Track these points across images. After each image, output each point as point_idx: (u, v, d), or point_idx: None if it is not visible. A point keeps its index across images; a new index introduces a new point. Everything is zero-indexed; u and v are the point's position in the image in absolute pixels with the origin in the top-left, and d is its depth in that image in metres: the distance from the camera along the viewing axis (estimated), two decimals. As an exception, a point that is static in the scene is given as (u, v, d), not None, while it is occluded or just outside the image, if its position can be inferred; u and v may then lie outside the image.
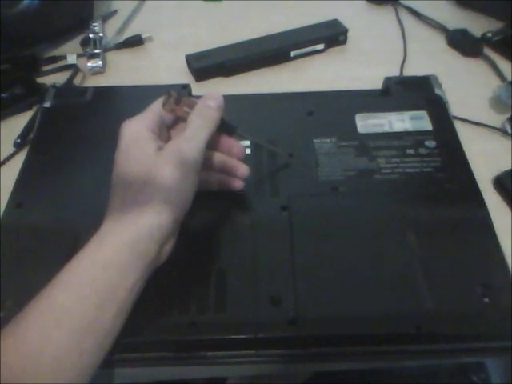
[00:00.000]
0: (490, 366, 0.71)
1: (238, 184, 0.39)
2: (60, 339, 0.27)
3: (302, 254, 0.38)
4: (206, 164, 0.36)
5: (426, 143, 0.45)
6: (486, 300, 0.35)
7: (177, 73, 0.59)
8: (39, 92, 0.54)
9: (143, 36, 0.63)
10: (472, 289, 0.35)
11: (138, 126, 0.33)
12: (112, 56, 0.62)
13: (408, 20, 0.67)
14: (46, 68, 0.60)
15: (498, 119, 0.52)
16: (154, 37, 0.64)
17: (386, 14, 0.68)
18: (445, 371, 0.73)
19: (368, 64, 0.60)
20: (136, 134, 0.33)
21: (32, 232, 0.40)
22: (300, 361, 0.36)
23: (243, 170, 0.38)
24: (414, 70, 0.58)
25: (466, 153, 0.45)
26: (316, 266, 0.37)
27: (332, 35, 0.61)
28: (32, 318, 0.28)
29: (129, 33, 0.65)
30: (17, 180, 0.44)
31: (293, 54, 0.60)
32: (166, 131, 0.36)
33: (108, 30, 0.65)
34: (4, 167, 0.49)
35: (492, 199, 0.44)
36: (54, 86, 0.55)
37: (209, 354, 0.35)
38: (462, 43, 0.62)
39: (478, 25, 0.64)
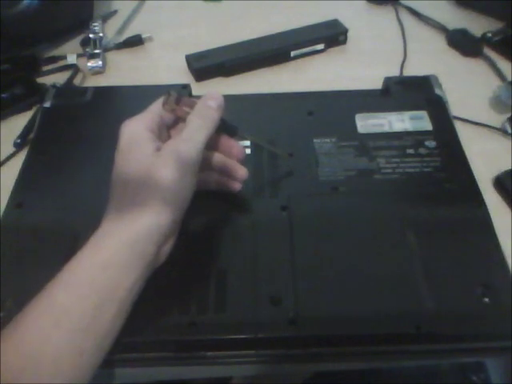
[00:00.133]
0: (490, 366, 0.71)
1: (237, 186, 0.39)
2: (59, 339, 0.27)
3: (301, 253, 0.38)
4: (205, 164, 0.36)
5: (426, 143, 0.45)
6: (486, 300, 0.35)
7: (177, 73, 0.59)
8: (39, 92, 0.54)
9: (143, 36, 0.63)
10: (472, 289, 0.35)
11: (138, 126, 0.33)
12: (112, 56, 0.62)
13: (408, 20, 0.67)
14: (46, 68, 0.60)
15: (497, 119, 0.52)
16: (154, 37, 0.64)
17: (386, 14, 0.68)
18: (445, 371, 0.73)
19: (368, 64, 0.60)
20: (135, 134, 0.33)
21: (32, 232, 0.40)
22: (300, 361, 0.36)
23: (242, 172, 0.38)
24: (414, 70, 0.58)
25: (466, 153, 0.45)
26: (316, 265, 0.37)
27: (332, 35, 0.61)
28: (31, 318, 0.28)
29: (129, 33, 0.65)
30: (17, 180, 0.44)
31: (293, 54, 0.60)
32: (165, 131, 0.36)
33: (108, 30, 0.65)
34: (4, 167, 0.49)
35: (492, 199, 0.44)
36: (54, 85, 0.55)
37: (209, 354, 0.35)
38: (462, 43, 0.62)
39: (478, 25, 0.64)
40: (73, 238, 0.38)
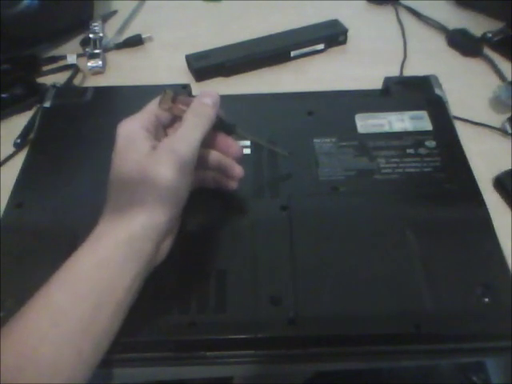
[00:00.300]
0: (490, 366, 0.71)
1: (233, 184, 0.39)
2: (57, 339, 0.27)
3: (301, 253, 0.37)
4: (201, 162, 0.36)
5: (426, 143, 0.45)
6: (486, 300, 0.35)
7: (177, 73, 0.59)
8: (39, 92, 0.54)
9: (143, 36, 0.63)
10: (472, 289, 0.35)
11: (133, 125, 0.33)
12: (112, 56, 0.62)
13: (408, 20, 0.67)
14: (46, 68, 0.60)
15: (498, 119, 0.52)
16: (154, 37, 0.64)
17: (386, 14, 0.68)
18: (445, 371, 0.73)
19: (368, 64, 0.60)
20: (131, 134, 0.33)
21: (32, 232, 0.40)
22: (300, 361, 0.36)
23: (238, 170, 0.38)
24: (414, 70, 0.58)
25: (466, 153, 0.45)
26: (316, 265, 0.37)
27: (332, 35, 0.62)
28: (29, 318, 0.28)
29: (129, 33, 0.65)
30: (17, 180, 0.44)
31: (293, 54, 0.60)
32: (162, 130, 0.36)
33: (108, 30, 0.65)
34: (4, 167, 0.49)
35: (492, 199, 0.44)
36: (54, 85, 0.55)
37: (208, 354, 0.35)
38: (462, 43, 0.62)
39: (477, 25, 0.64)
40: (73, 237, 0.38)
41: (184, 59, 0.59)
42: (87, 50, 0.60)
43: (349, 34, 0.62)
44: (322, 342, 0.35)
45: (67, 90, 0.54)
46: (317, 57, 0.61)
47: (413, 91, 0.51)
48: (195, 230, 0.40)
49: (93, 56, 0.59)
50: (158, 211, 0.31)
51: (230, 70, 0.58)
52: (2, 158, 0.49)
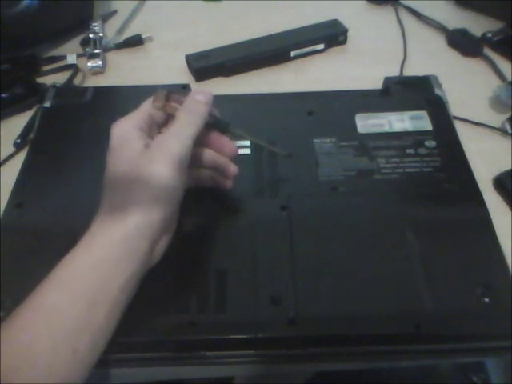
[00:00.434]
0: (490, 366, 0.71)
1: (228, 183, 0.39)
2: (52, 338, 0.27)
3: (301, 253, 0.37)
4: (196, 161, 0.36)
5: (426, 143, 0.45)
6: (486, 300, 0.35)
7: (177, 73, 0.59)
8: (39, 92, 0.54)
9: (143, 36, 0.63)
10: (472, 289, 0.35)
11: (126, 125, 0.33)
12: (112, 56, 0.62)
13: (408, 20, 0.67)
14: (46, 68, 0.60)
15: (498, 119, 0.52)
16: (154, 37, 0.64)
17: (386, 14, 0.68)
18: (445, 371, 0.73)
19: (368, 64, 0.60)
20: (124, 134, 0.33)
21: (32, 232, 0.40)
22: (300, 361, 0.36)
23: (233, 169, 0.38)
24: (414, 70, 0.58)
25: (466, 153, 0.45)
26: (316, 265, 0.37)
27: (332, 35, 0.62)
28: (24, 318, 0.28)
29: (129, 33, 0.65)
30: (17, 180, 0.44)
31: (293, 53, 0.60)
32: (156, 130, 0.36)
33: (108, 30, 0.65)
34: (4, 167, 0.49)
35: (492, 199, 0.44)
36: (54, 85, 0.55)
37: (208, 353, 0.35)
38: (462, 43, 0.62)
39: (478, 25, 0.64)
40: (73, 237, 0.38)
41: (184, 59, 0.59)
42: (87, 50, 0.60)
43: (349, 34, 0.62)
44: (322, 342, 0.35)
45: (67, 90, 0.54)
46: (317, 57, 0.61)
47: (413, 91, 0.51)
48: (195, 230, 0.39)
49: (93, 56, 0.59)
50: (152, 210, 0.31)
51: (230, 70, 0.58)
52: (2, 158, 0.49)
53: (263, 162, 0.44)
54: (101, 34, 0.62)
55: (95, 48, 0.61)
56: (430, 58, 0.61)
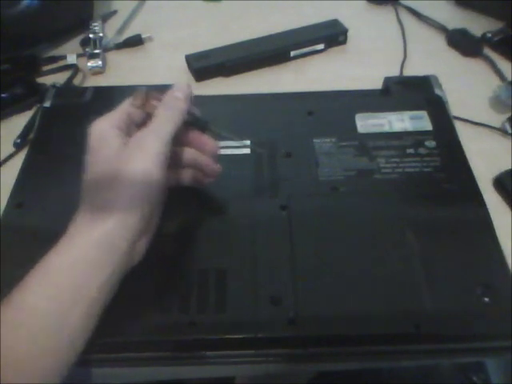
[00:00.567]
0: (490, 366, 0.71)
1: (209, 181, 0.39)
2: (31, 338, 0.27)
3: (301, 253, 0.37)
4: (177, 160, 0.36)
5: (426, 143, 0.45)
6: (486, 300, 0.35)
7: (177, 73, 0.59)
8: (39, 92, 0.54)
9: (143, 36, 0.63)
10: (472, 289, 0.35)
11: (104, 124, 0.33)
12: (112, 56, 0.62)
13: (408, 20, 0.67)
14: (46, 68, 0.60)
15: (498, 119, 0.52)
16: (154, 37, 0.64)
17: (386, 14, 0.68)
18: (445, 371, 0.73)
19: (368, 64, 0.60)
20: (102, 133, 0.33)
21: (32, 232, 0.40)
22: (300, 360, 0.36)
23: (215, 168, 0.38)
24: (414, 70, 0.58)
25: (466, 153, 0.45)
26: (316, 265, 0.37)
27: (332, 35, 0.62)
28: (4, 318, 0.28)
29: (129, 33, 0.65)
30: (17, 180, 0.44)
31: (293, 53, 0.60)
32: (135, 129, 0.35)
33: (108, 30, 0.65)
34: (4, 167, 0.49)
35: (492, 199, 0.44)
36: (54, 85, 0.55)
37: (208, 353, 0.35)
38: (462, 43, 0.62)
39: (478, 25, 0.64)
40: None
41: (184, 59, 0.59)
42: (87, 50, 0.60)
43: (349, 34, 0.62)
44: (322, 341, 0.35)
45: (67, 90, 0.54)
46: (317, 57, 0.61)
47: (413, 91, 0.51)
48: (194, 230, 0.39)
49: (93, 56, 0.59)
50: (131, 209, 0.30)
51: (230, 70, 0.58)
52: (2, 158, 0.49)
53: (263, 161, 0.44)
54: (101, 34, 0.62)
55: (95, 48, 0.61)
56: (430, 58, 0.61)
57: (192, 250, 0.38)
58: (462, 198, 0.41)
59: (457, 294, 0.35)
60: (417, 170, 0.43)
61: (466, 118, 0.52)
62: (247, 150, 0.45)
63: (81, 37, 0.63)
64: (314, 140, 0.46)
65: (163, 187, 0.33)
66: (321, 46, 0.61)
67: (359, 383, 0.64)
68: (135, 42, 0.63)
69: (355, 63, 0.60)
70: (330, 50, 0.62)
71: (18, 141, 0.50)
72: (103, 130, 0.33)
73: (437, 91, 0.50)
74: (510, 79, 0.56)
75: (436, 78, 0.52)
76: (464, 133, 0.48)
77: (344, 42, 0.63)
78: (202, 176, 0.39)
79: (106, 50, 0.62)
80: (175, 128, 0.33)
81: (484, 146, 0.49)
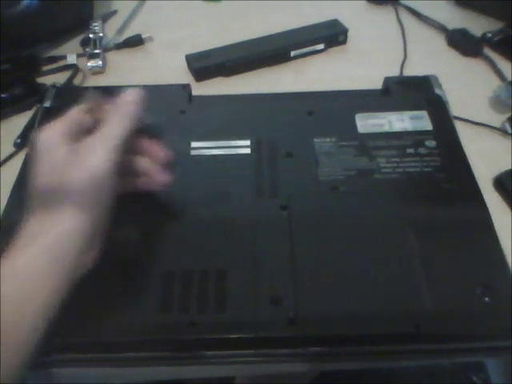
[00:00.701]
0: (490, 366, 0.71)
1: (159, 188, 0.37)
2: None
3: (301, 253, 0.37)
4: (130, 168, 0.36)
5: (426, 143, 0.45)
6: (486, 300, 0.35)
7: (177, 73, 0.59)
8: (39, 92, 0.54)
9: (143, 36, 0.63)
10: (472, 288, 0.35)
11: (49, 132, 0.32)
12: (112, 56, 0.62)
13: (408, 20, 0.67)
14: (46, 68, 0.60)
15: (498, 119, 0.52)
16: (154, 37, 0.64)
17: (386, 14, 0.68)
18: (445, 371, 0.73)
19: (368, 64, 0.60)
20: (48, 141, 0.32)
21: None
22: (300, 360, 0.36)
23: (164, 177, 0.36)
24: (414, 70, 0.58)
25: (466, 153, 0.45)
26: (316, 265, 0.37)
27: (332, 35, 0.62)
28: None
29: (129, 33, 0.65)
30: (17, 180, 0.44)
31: (293, 53, 0.60)
32: (85, 135, 0.33)
33: (108, 30, 0.65)
34: (4, 167, 0.49)
35: (492, 199, 0.44)
36: (54, 85, 0.55)
37: (208, 353, 0.35)
38: (462, 43, 0.62)
39: (478, 25, 0.64)
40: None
41: (184, 59, 0.59)
42: (87, 49, 0.60)
43: (349, 34, 0.62)
44: (322, 341, 0.35)
45: (67, 90, 0.54)
46: (317, 57, 0.61)
47: (413, 91, 0.51)
48: (194, 230, 0.39)
49: (93, 56, 0.59)
50: (77, 216, 0.30)
51: (230, 70, 0.58)
52: (2, 158, 0.49)
53: (263, 161, 0.44)
54: (101, 34, 0.62)
55: (95, 48, 0.61)
56: (430, 58, 0.61)
57: (192, 250, 0.38)
58: (462, 197, 0.41)
59: (457, 293, 0.35)
60: (417, 169, 0.43)
61: (466, 117, 0.52)
62: (247, 150, 0.45)
63: (81, 37, 0.63)
64: (314, 140, 0.46)
65: (113, 194, 0.32)
66: (321, 46, 0.61)
67: (359, 383, 0.64)
68: (135, 41, 0.63)
69: (355, 63, 0.60)
70: (329, 50, 0.62)
71: (18, 141, 0.50)
72: (49, 138, 0.32)
73: (437, 91, 0.50)
74: (510, 79, 0.56)
75: (436, 78, 0.52)
76: (464, 133, 0.48)
77: (344, 42, 0.63)
78: (153, 184, 0.37)
79: (106, 50, 0.62)
80: (124, 133, 0.32)
81: (484, 146, 0.49)
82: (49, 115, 0.49)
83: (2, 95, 0.54)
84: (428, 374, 0.71)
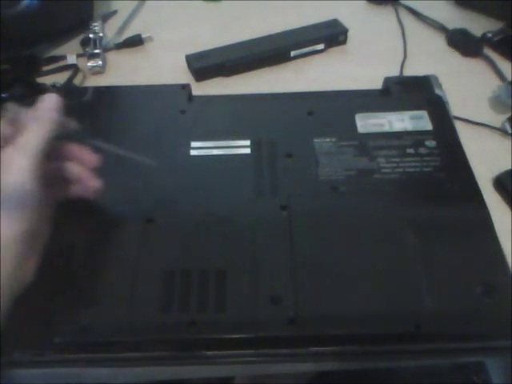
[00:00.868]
0: (490, 366, 0.71)
1: (92, 194, 0.37)
2: None
3: (301, 253, 0.37)
4: (57, 174, 0.35)
5: (426, 143, 0.45)
6: (487, 300, 0.35)
7: (177, 73, 0.59)
8: (39, 92, 0.54)
9: (143, 36, 0.63)
10: (472, 288, 0.35)
11: None
12: (112, 56, 0.62)
13: (408, 20, 0.67)
14: (46, 68, 0.60)
15: (498, 119, 0.52)
16: (154, 37, 0.64)
17: (386, 14, 0.68)
18: (445, 371, 0.73)
19: (368, 64, 0.60)
20: None
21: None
22: (300, 360, 0.36)
23: (93, 183, 0.36)
24: (414, 70, 0.58)
25: (466, 153, 0.45)
26: (316, 265, 0.37)
27: (332, 35, 0.62)
28: None
29: (129, 33, 0.65)
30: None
31: (293, 53, 0.60)
32: (5, 144, 0.32)
33: (108, 30, 0.65)
34: (4, 167, 0.49)
35: (492, 199, 0.44)
36: (54, 85, 0.55)
37: (208, 353, 0.35)
38: (462, 43, 0.62)
39: (478, 25, 0.64)
40: (72, 237, 0.38)
41: (184, 59, 0.59)
42: (87, 49, 0.60)
43: (349, 34, 0.62)
44: (322, 341, 0.35)
45: (67, 90, 0.54)
46: (317, 57, 0.61)
47: (413, 91, 0.51)
48: (194, 230, 0.39)
49: (93, 56, 0.59)
50: (8, 228, 0.29)
51: (230, 70, 0.58)
52: (2, 158, 0.49)
53: (263, 161, 0.44)
54: (101, 34, 0.62)
55: (95, 48, 0.61)
56: (430, 57, 0.60)
57: (192, 250, 0.38)
58: (462, 197, 0.41)
59: (457, 293, 0.35)
60: (417, 169, 0.43)
61: (466, 117, 0.52)
62: (247, 150, 0.45)
63: (81, 37, 0.63)
64: (314, 140, 0.46)
65: (42, 202, 0.31)
66: (321, 46, 0.61)
67: (359, 383, 0.64)
68: (135, 41, 0.63)
69: (355, 63, 0.60)
70: (329, 50, 0.62)
71: (18, 141, 0.50)
72: None
73: (437, 91, 0.50)
74: (510, 79, 0.56)
75: (436, 78, 0.52)
76: (464, 133, 0.48)
77: (344, 42, 0.63)
78: (85, 189, 0.37)
79: (106, 49, 0.62)
80: (44, 140, 0.32)
81: (484, 146, 0.49)
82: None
83: (2, 95, 0.54)
84: (428, 373, 0.71)
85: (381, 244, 0.38)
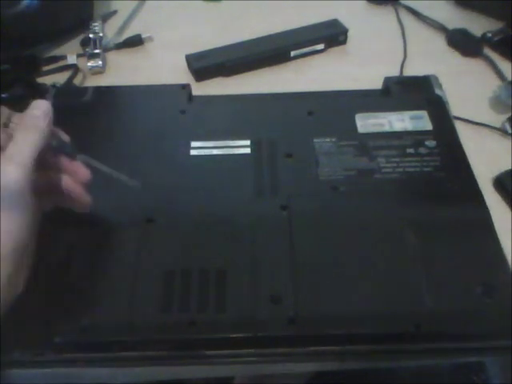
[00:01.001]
0: (490, 366, 0.71)
1: (84, 209, 0.36)
2: None
3: (301, 253, 0.38)
4: (48, 186, 0.34)
5: (426, 143, 0.45)
6: (487, 299, 0.35)
7: (177, 73, 0.59)
8: (39, 92, 0.54)
9: (143, 36, 0.63)
10: (472, 288, 0.35)
11: None
12: (112, 56, 0.62)
13: (408, 20, 0.67)
14: (46, 68, 0.60)
15: (497, 119, 0.52)
16: (154, 37, 0.64)
17: (386, 14, 0.68)
18: (445, 371, 0.73)
19: (368, 64, 0.60)
20: None
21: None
22: (299, 360, 0.36)
23: (84, 200, 0.35)
24: (414, 70, 0.58)
25: (466, 153, 0.45)
26: (316, 265, 0.37)
27: (332, 35, 0.62)
28: None
29: (129, 33, 0.65)
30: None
31: (293, 53, 0.60)
32: None
33: (108, 30, 0.66)
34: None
35: (492, 199, 0.44)
36: (54, 85, 0.55)
37: (208, 353, 0.35)
38: (462, 43, 0.62)
39: (478, 25, 0.64)
40: (72, 237, 0.38)
41: (184, 59, 0.60)
42: (87, 50, 0.60)
43: (349, 34, 0.62)
44: (322, 341, 0.35)
45: (67, 90, 0.54)
46: (317, 57, 0.61)
47: (413, 91, 0.51)
48: (194, 230, 0.39)
49: (93, 56, 0.59)
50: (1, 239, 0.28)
51: (230, 70, 0.58)
52: (2, 158, 0.49)
53: (263, 161, 0.44)
54: (101, 34, 0.62)
55: (95, 48, 0.61)
56: (430, 57, 0.61)
57: (192, 249, 0.38)
58: (462, 197, 0.41)
59: (457, 293, 0.35)
60: (417, 169, 0.43)
61: (466, 117, 0.52)
62: (247, 150, 0.45)
63: (81, 37, 0.63)
64: (314, 140, 0.46)
65: (34, 213, 0.31)
66: (321, 46, 0.61)
67: (359, 383, 0.64)
68: (135, 42, 0.63)
69: (355, 63, 0.60)
70: (330, 50, 0.62)
71: (18, 141, 0.50)
72: None
73: (437, 91, 0.50)
74: (510, 79, 0.56)
75: (436, 78, 0.52)
76: (464, 133, 0.48)
77: (344, 42, 0.63)
78: (74, 202, 0.36)
79: (106, 50, 0.62)
80: (36, 148, 0.31)
81: (484, 146, 0.49)
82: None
83: (2, 95, 0.54)
84: (428, 373, 0.71)
85: (381, 244, 0.38)
